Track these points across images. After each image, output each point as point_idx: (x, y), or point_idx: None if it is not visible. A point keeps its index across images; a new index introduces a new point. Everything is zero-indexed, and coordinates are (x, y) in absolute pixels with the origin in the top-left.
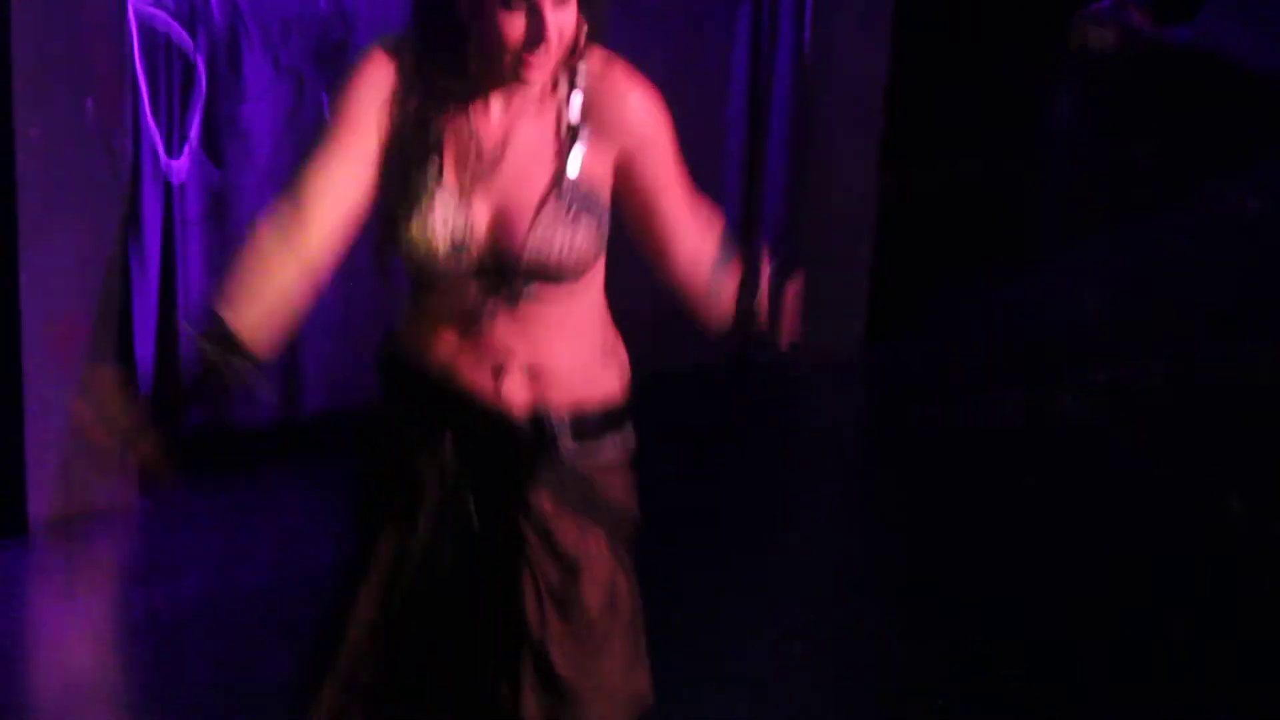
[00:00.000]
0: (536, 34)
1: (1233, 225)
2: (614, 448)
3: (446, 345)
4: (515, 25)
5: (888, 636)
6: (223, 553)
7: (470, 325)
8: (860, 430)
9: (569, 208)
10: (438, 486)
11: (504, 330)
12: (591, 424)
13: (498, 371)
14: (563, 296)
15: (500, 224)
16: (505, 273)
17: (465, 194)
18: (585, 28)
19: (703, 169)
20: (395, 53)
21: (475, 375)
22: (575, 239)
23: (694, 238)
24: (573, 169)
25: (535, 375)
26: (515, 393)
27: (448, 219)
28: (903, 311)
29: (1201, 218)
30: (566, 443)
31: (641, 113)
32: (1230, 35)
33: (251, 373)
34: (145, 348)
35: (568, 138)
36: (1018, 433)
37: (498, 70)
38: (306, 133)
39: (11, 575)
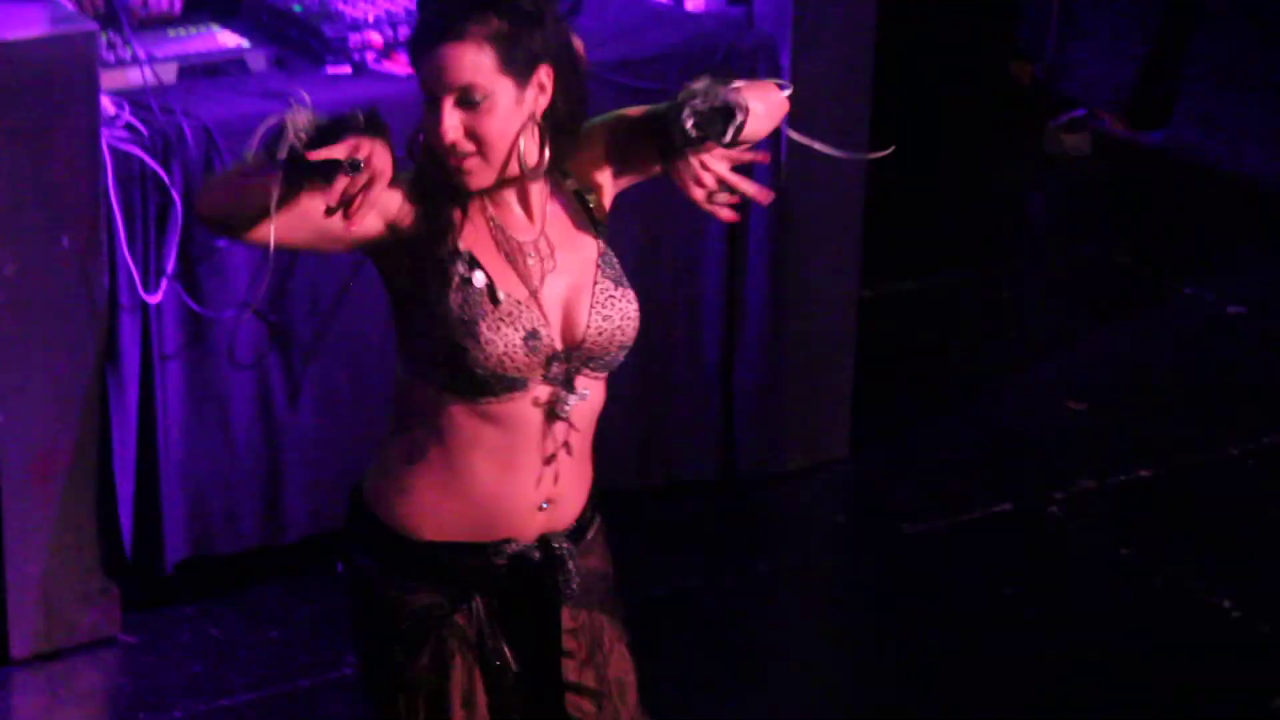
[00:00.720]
0: (432, 133)
1: (1211, 327)
2: (594, 528)
3: (472, 487)
4: (428, 123)
5: None
6: (207, 679)
7: (510, 443)
8: (846, 540)
9: (613, 280)
10: (472, 643)
11: (558, 444)
12: (583, 527)
13: (536, 507)
14: (596, 399)
15: (564, 317)
16: (569, 363)
17: (531, 296)
18: (541, 140)
19: (682, 286)
20: (405, 176)
21: (493, 520)
22: (629, 308)
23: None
24: (604, 238)
25: (551, 504)
26: (530, 527)
27: (520, 321)
28: (887, 422)
29: (1180, 320)
30: (574, 560)
31: (603, 146)
32: (1203, 139)
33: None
34: (125, 482)
35: (589, 215)
36: (1007, 542)
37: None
38: (284, 262)
39: None
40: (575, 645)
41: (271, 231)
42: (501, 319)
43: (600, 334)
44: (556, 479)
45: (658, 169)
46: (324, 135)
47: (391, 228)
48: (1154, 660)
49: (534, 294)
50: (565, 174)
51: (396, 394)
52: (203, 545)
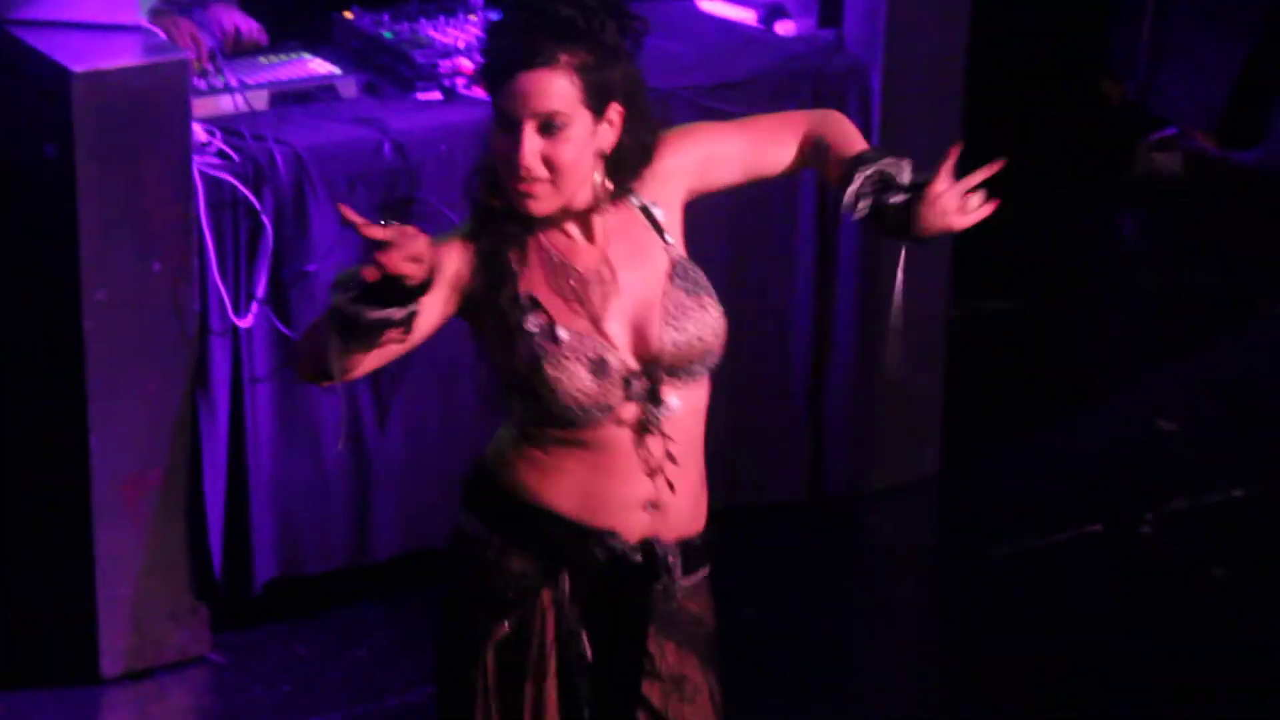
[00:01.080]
0: (509, 157)
1: None
2: (704, 571)
3: (575, 481)
4: (501, 149)
5: None
6: (296, 699)
7: (609, 461)
8: (935, 561)
9: (688, 291)
10: (553, 621)
11: (656, 453)
12: (695, 554)
13: (642, 505)
14: (692, 408)
15: (635, 335)
16: (650, 378)
17: (593, 325)
18: (613, 162)
19: (772, 305)
20: (462, 233)
21: (600, 509)
22: (707, 317)
23: (796, 139)
24: (674, 249)
25: (657, 507)
26: (636, 527)
27: (582, 354)
28: (976, 442)
29: (1272, 340)
30: (679, 576)
31: (676, 155)
32: None
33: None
34: (215, 504)
35: (656, 228)
36: (1098, 563)
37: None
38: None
39: None
40: (657, 669)
41: (349, 373)
42: (564, 356)
43: (676, 346)
44: (663, 486)
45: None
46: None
47: (457, 289)
48: (1246, 681)
49: (596, 322)
50: (629, 190)
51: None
52: (291, 565)
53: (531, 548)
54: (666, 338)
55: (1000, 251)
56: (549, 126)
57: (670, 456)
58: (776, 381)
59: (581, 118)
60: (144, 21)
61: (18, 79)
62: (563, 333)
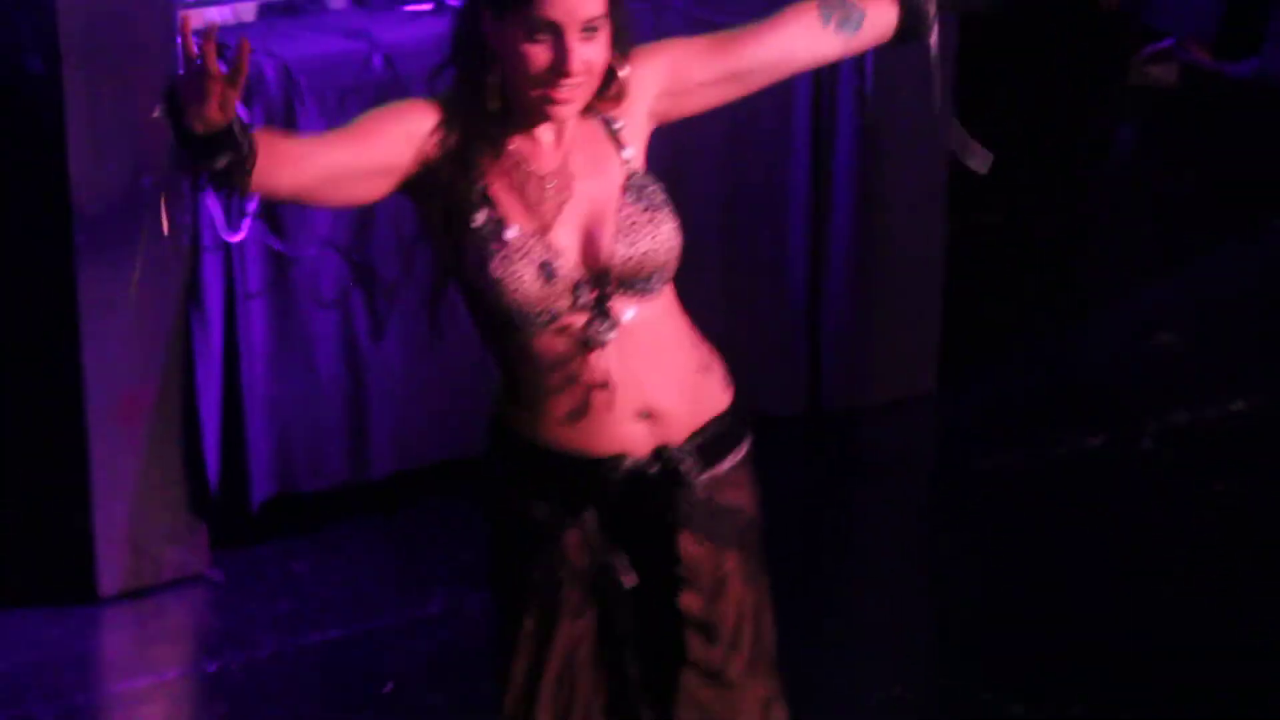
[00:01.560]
0: (561, 66)
1: None
2: (735, 457)
3: (558, 413)
4: (540, 57)
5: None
6: (294, 616)
7: (575, 378)
8: (932, 475)
9: (642, 206)
10: (584, 557)
11: (611, 368)
12: (712, 444)
13: (621, 419)
14: (656, 314)
15: (585, 244)
16: (600, 289)
17: (543, 228)
18: (616, 58)
19: (768, 222)
20: (438, 105)
21: (596, 434)
22: (659, 233)
23: (786, 37)
24: (633, 164)
25: (650, 415)
26: (638, 440)
27: (531, 255)
28: (974, 355)
29: (1271, 251)
30: (698, 476)
31: (645, 69)
32: None
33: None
34: (210, 420)
35: (615, 142)
36: (1098, 477)
37: (527, 106)
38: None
39: (82, 647)
40: (696, 576)
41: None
42: (510, 256)
43: (627, 260)
44: (644, 390)
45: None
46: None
47: (420, 156)
48: (1250, 598)
49: (546, 228)
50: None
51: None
52: (289, 483)
53: (549, 492)
54: (617, 250)
55: (995, 164)
56: (590, 29)
57: (607, 374)
58: (773, 296)
59: (604, 22)
60: None
61: None
62: (511, 232)
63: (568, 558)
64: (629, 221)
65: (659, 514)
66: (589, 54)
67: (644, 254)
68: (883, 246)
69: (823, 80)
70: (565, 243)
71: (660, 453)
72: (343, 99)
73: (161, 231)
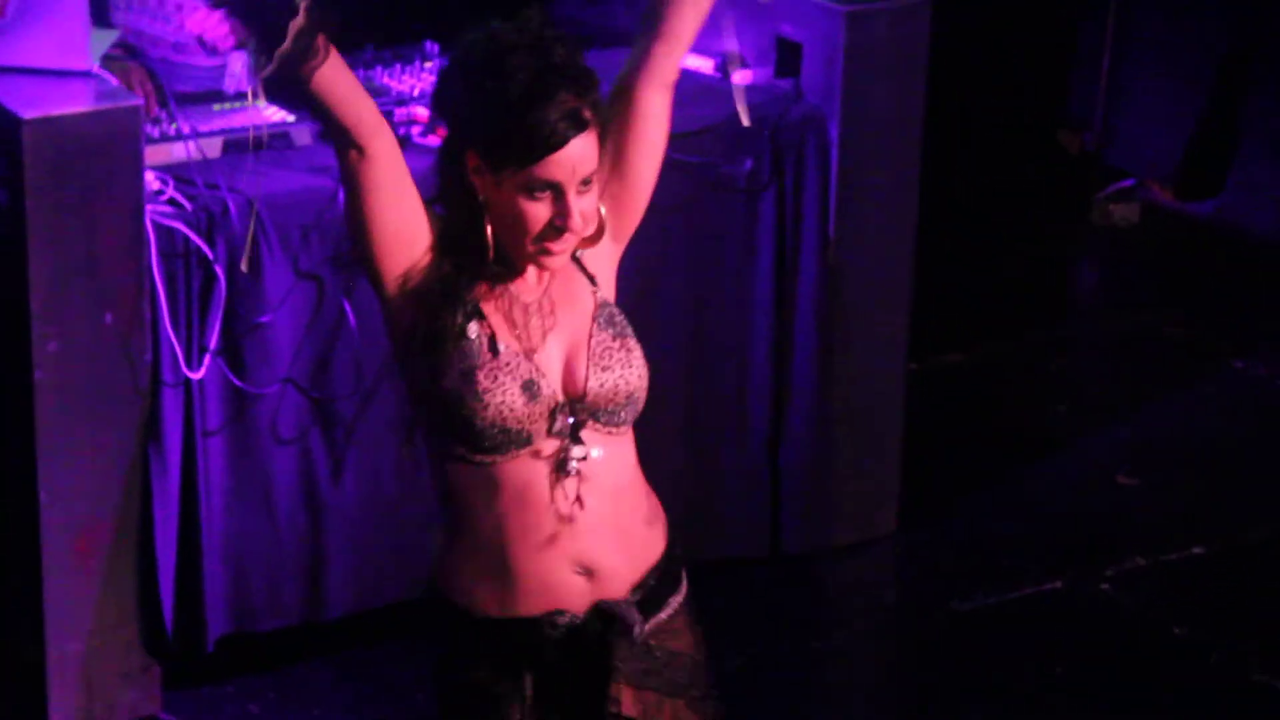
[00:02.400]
0: (563, 223)
1: (1263, 401)
2: (674, 603)
3: (503, 558)
4: (540, 215)
5: None
6: None
7: (537, 508)
8: (894, 618)
9: (613, 334)
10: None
11: (573, 501)
12: (651, 595)
13: (573, 571)
14: (618, 455)
15: (565, 370)
16: (575, 416)
17: (529, 351)
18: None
19: (730, 363)
20: (439, 223)
21: (535, 588)
22: (630, 360)
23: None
24: (601, 293)
25: (590, 571)
26: (575, 596)
27: (517, 372)
28: (935, 497)
29: (1231, 394)
30: (640, 629)
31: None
32: (1253, 209)
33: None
34: (166, 559)
35: (584, 272)
36: (1058, 620)
37: (519, 255)
38: (327, 337)
39: None
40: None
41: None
42: (499, 369)
43: (601, 386)
44: (591, 541)
45: (636, 199)
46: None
47: (417, 252)
48: None
49: (531, 353)
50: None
51: (431, 474)
52: (244, 622)
53: (487, 659)
54: (593, 379)
55: (957, 303)
56: (585, 184)
57: (580, 503)
58: (736, 435)
59: (596, 170)
60: (96, 68)
61: None
62: (503, 346)
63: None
64: (602, 349)
65: (596, 671)
66: (585, 206)
67: (617, 381)
68: (844, 387)
69: (786, 223)
70: (548, 367)
71: (599, 607)
72: (306, 235)
73: (123, 368)
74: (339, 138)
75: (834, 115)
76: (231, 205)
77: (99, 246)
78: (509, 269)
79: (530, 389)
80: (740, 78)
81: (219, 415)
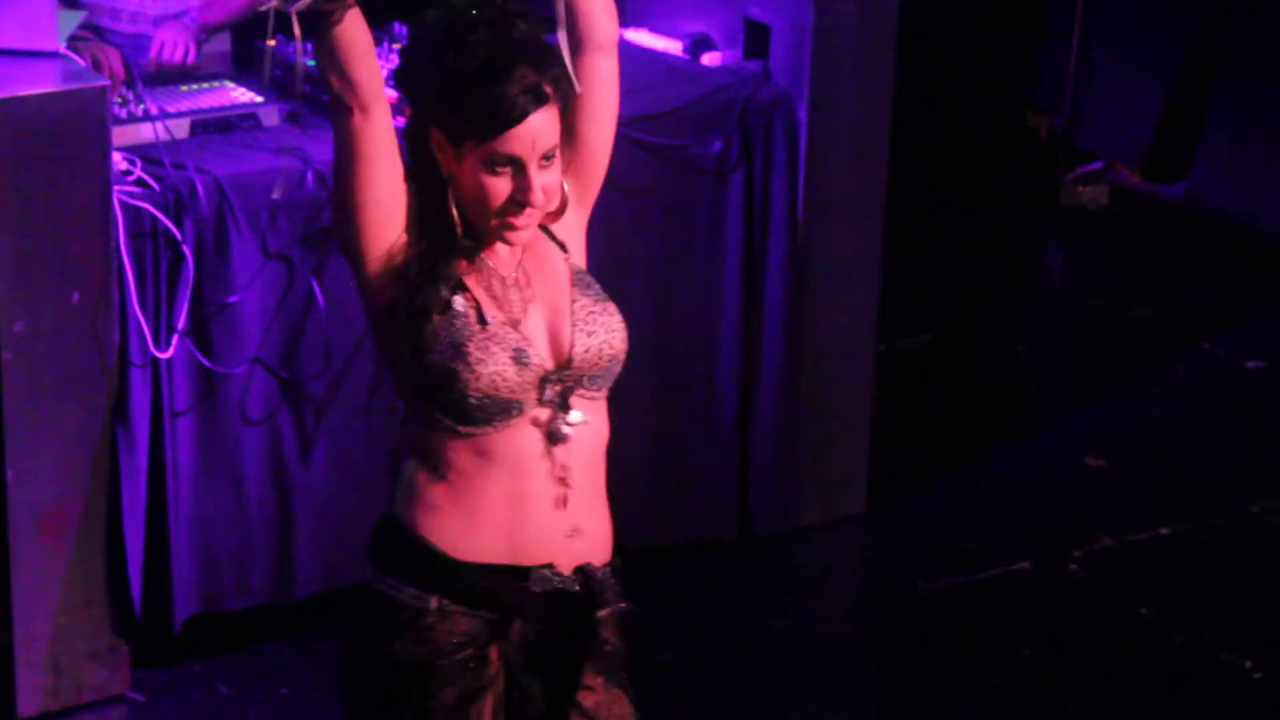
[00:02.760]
0: (523, 197)
1: (1230, 383)
2: (622, 607)
3: (497, 518)
4: (501, 189)
5: None
6: None
7: (534, 475)
8: (862, 599)
9: (593, 297)
10: (501, 678)
11: (568, 465)
12: (617, 574)
13: (564, 533)
14: (596, 422)
15: (550, 337)
16: (563, 383)
17: (514, 321)
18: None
19: (699, 344)
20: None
21: (529, 542)
22: (612, 321)
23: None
24: (573, 259)
25: (577, 532)
26: (565, 556)
27: (505, 342)
28: (903, 478)
29: (1198, 375)
30: (614, 601)
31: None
32: (1222, 192)
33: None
34: (135, 539)
35: (555, 241)
36: (1025, 601)
37: (484, 229)
38: (295, 318)
39: None
40: (588, 709)
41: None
42: (489, 339)
43: (587, 350)
44: (576, 504)
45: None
46: None
47: (397, 230)
48: None
49: (516, 321)
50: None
51: (402, 435)
52: (212, 602)
53: (476, 604)
54: (579, 342)
55: (926, 285)
56: (547, 157)
57: (566, 471)
58: (704, 417)
59: (558, 144)
60: (62, 48)
61: None
62: (490, 317)
63: (488, 674)
64: (585, 312)
65: (570, 637)
66: (547, 180)
67: (602, 343)
68: (813, 368)
69: (755, 204)
70: (534, 335)
71: (583, 570)
72: (274, 215)
73: (90, 349)
74: (346, 93)
75: (802, 97)
76: (199, 185)
77: (66, 227)
78: (480, 243)
79: (520, 357)
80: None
81: (187, 395)
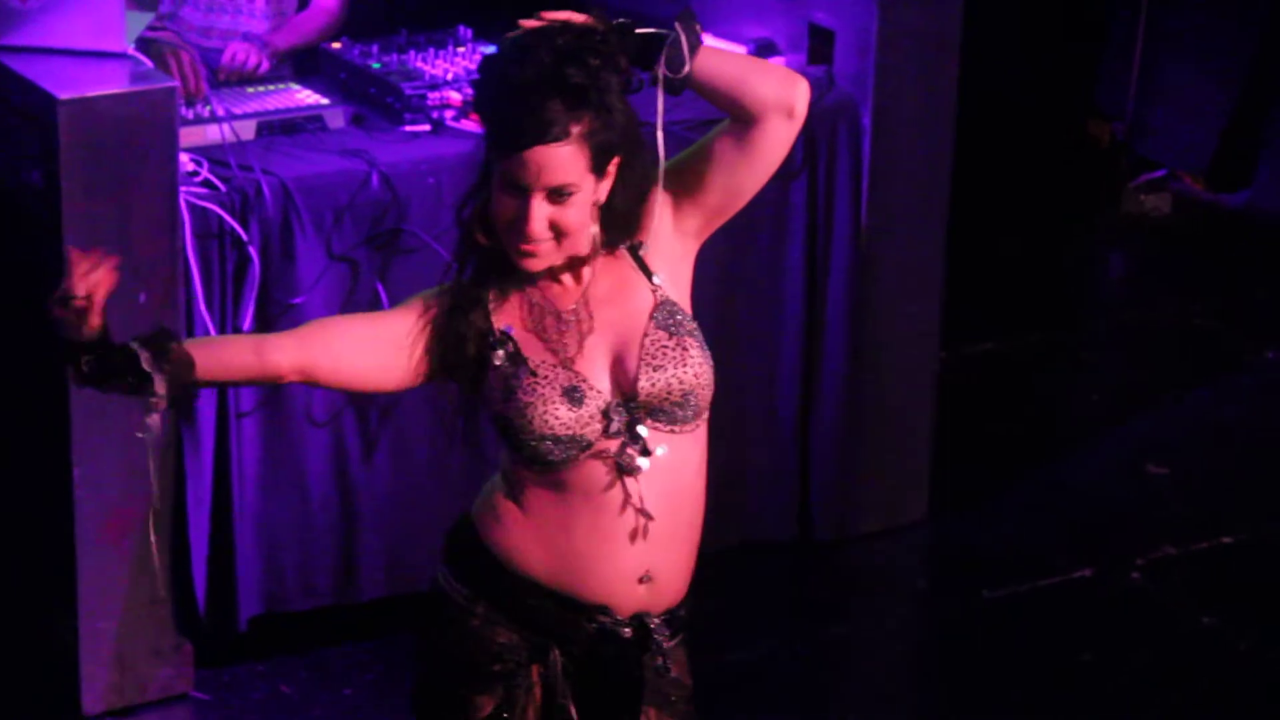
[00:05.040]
0: (520, 225)
1: None
2: (683, 628)
3: (563, 546)
4: (507, 210)
5: None
6: None
7: (609, 507)
8: (923, 605)
9: (669, 333)
10: (538, 699)
11: (646, 496)
12: (678, 618)
13: (634, 576)
14: (684, 457)
15: (613, 370)
16: (630, 415)
17: (567, 361)
18: (608, 210)
19: (760, 348)
20: (426, 300)
21: (592, 581)
22: (687, 360)
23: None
24: (663, 290)
25: (649, 579)
26: (628, 600)
27: (556, 382)
28: (965, 484)
29: (1261, 383)
30: (667, 648)
31: (668, 210)
32: None
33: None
34: (199, 539)
35: (642, 268)
36: (1087, 608)
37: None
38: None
39: None
40: None
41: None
42: (535, 385)
43: (653, 385)
44: (653, 546)
45: (721, 198)
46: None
47: (417, 349)
48: None
49: (570, 360)
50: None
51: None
52: (276, 602)
53: (519, 620)
54: (644, 376)
55: (989, 293)
56: (558, 194)
57: (644, 512)
58: (766, 422)
59: (587, 182)
60: (131, 49)
61: (3, 105)
62: (535, 360)
63: (524, 693)
64: (656, 347)
65: (619, 676)
66: (560, 217)
67: (669, 380)
68: (875, 374)
69: (818, 210)
70: (591, 371)
71: (639, 619)
72: (339, 217)
73: None
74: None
75: (866, 102)
76: (265, 187)
77: (133, 227)
78: (537, 280)
79: (573, 395)
80: None
81: (252, 397)
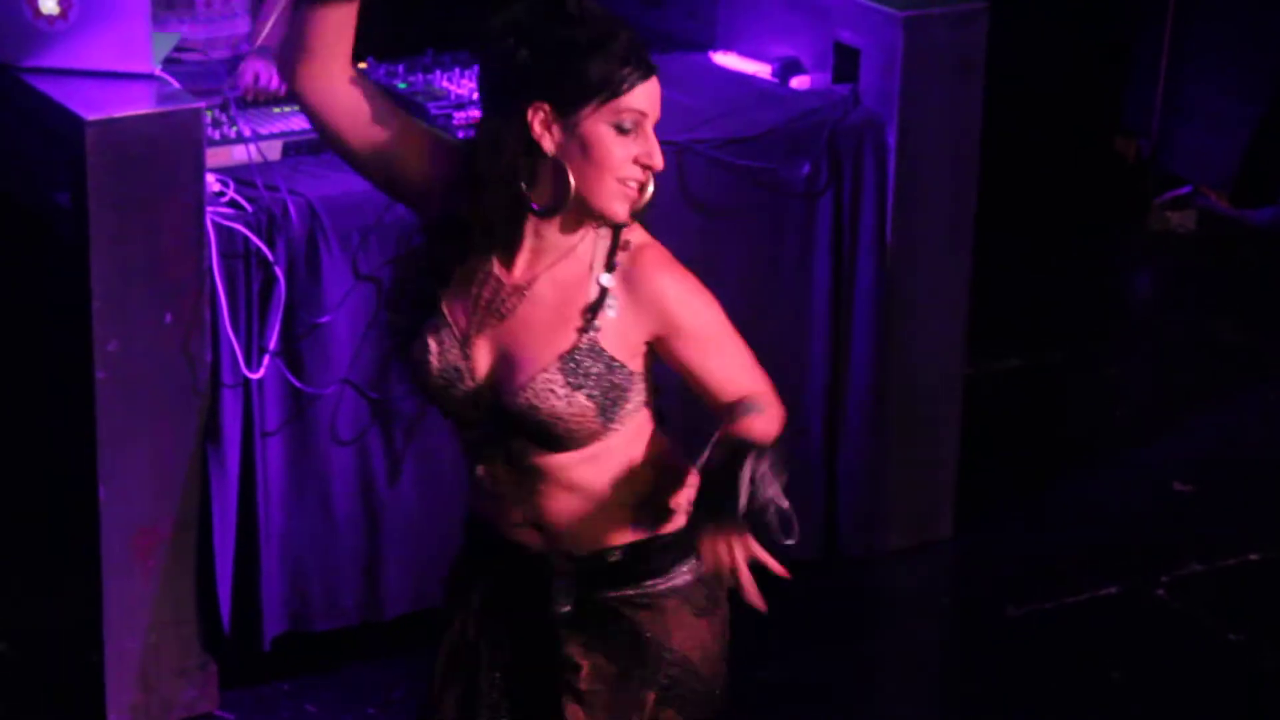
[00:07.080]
0: (647, 159)
1: None
2: (656, 584)
3: (475, 487)
4: (626, 149)
5: None
6: None
7: (479, 465)
8: (950, 622)
9: (576, 373)
10: (474, 626)
11: (504, 482)
12: (621, 567)
13: (513, 516)
14: (567, 463)
15: (501, 371)
16: (499, 423)
17: (468, 332)
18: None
19: (786, 365)
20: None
21: (496, 515)
22: (570, 408)
23: (736, 393)
24: (594, 338)
25: (539, 528)
26: (530, 542)
27: (444, 350)
28: (991, 502)
29: None
30: (564, 588)
31: (675, 302)
32: None
33: None
34: (225, 558)
35: (594, 303)
36: (1113, 626)
37: (590, 204)
38: (385, 340)
39: None
40: (581, 685)
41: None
42: (435, 328)
43: (518, 409)
44: (530, 505)
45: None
46: None
47: (425, 180)
48: None
49: (466, 340)
50: (611, 267)
51: None
52: (301, 621)
53: (469, 550)
54: (517, 396)
55: (1014, 309)
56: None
57: (500, 489)
58: (791, 438)
59: None
60: (157, 70)
61: (31, 127)
62: (447, 314)
63: (467, 618)
64: (545, 386)
65: (538, 614)
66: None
67: (541, 419)
68: (901, 391)
69: (844, 228)
70: (477, 356)
71: (542, 558)
72: (365, 237)
73: (182, 369)
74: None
75: (892, 120)
76: (291, 207)
77: (160, 247)
78: (505, 252)
79: (450, 376)
80: None
81: (278, 415)
